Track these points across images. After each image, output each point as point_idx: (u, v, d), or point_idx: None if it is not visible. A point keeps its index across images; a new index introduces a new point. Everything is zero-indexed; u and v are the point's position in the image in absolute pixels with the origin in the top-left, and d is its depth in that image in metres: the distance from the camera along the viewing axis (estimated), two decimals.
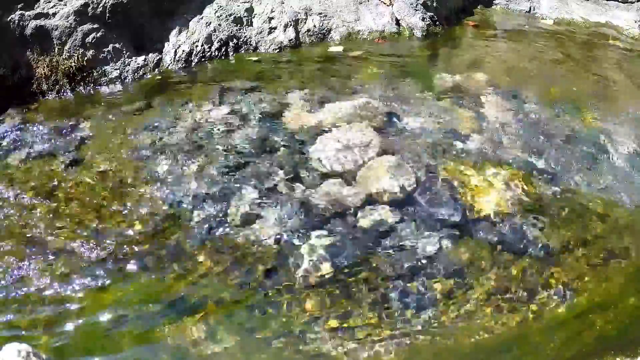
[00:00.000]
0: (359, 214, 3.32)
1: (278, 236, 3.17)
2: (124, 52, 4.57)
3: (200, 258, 3.04)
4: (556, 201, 3.48)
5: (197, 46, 4.75)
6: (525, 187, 3.53)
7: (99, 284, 2.89)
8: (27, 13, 4.30)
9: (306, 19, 5.14)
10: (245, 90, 4.35)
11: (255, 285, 2.92)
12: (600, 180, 3.67)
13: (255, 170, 3.59)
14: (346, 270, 3.00)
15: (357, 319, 2.78)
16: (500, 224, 3.29)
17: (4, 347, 2.07)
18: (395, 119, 4.08)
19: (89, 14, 4.44)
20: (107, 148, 3.74)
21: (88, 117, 4.03)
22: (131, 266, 2.98)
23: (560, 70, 4.92)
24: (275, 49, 4.98)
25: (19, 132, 3.85)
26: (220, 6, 4.94)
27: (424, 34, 5.31)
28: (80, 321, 2.70)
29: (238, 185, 3.48)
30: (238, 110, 4.11)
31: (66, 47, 4.38)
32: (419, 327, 2.76)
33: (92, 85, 4.42)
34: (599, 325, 2.81)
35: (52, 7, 4.40)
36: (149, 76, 4.57)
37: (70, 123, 3.96)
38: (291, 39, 5.03)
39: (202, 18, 4.86)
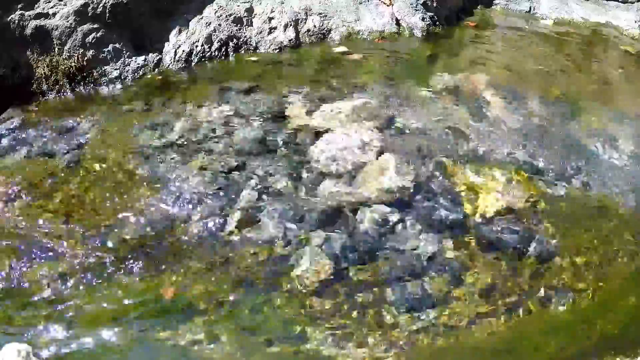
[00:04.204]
0: (359, 214, 3.32)
1: (278, 236, 3.16)
2: (124, 52, 4.57)
3: (200, 258, 3.04)
4: (556, 201, 3.48)
5: (197, 46, 4.75)
6: (525, 187, 3.53)
7: (98, 284, 2.88)
8: (27, 13, 4.30)
9: (306, 19, 5.14)
10: (245, 90, 4.35)
11: (255, 285, 2.92)
12: (600, 180, 3.67)
13: (255, 170, 3.59)
14: (346, 271, 3.00)
15: (357, 319, 2.78)
16: (500, 224, 3.29)
17: (4, 347, 2.08)
18: (395, 119, 4.07)
19: (89, 14, 4.44)
20: (106, 148, 3.73)
21: (88, 117, 4.02)
22: (130, 266, 2.98)
23: (560, 70, 4.92)
24: (275, 49, 4.98)
25: (19, 132, 3.85)
26: (220, 6, 4.94)
27: (424, 34, 5.31)
28: (79, 322, 2.70)
29: (238, 185, 3.47)
30: (238, 110, 4.11)
31: (66, 47, 4.38)
32: (419, 327, 2.76)
33: (92, 85, 4.42)
34: (599, 325, 2.81)
35: (52, 7, 4.40)
36: (149, 76, 4.57)
37: (70, 123, 3.95)
38: (291, 39, 5.03)
39: (202, 18, 4.86)
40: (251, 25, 5.01)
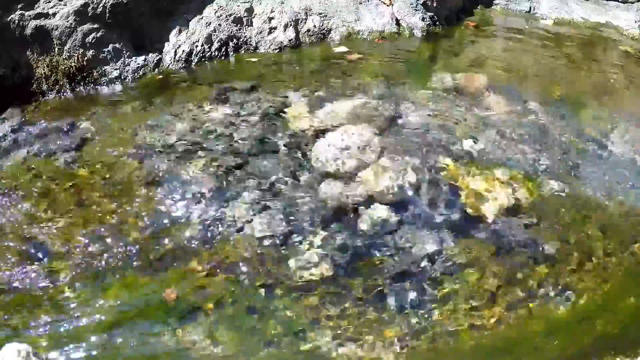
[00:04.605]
0: (359, 214, 3.32)
1: (278, 236, 3.16)
2: (124, 52, 4.57)
3: (200, 258, 3.04)
4: (556, 201, 3.48)
5: (197, 46, 4.75)
6: (525, 187, 3.53)
7: (99, 284, 2.88)
8: (27, 13, 4.30)
9: (306, 19, 5.14)
10: (245, 90, 4.35)
11: (255, 285, 2.92)
12: (601, 180, 3.67)
13: (255, 170, 3.59)
14: (346, 270, 3.00)
15: (357, 319, 2.78)
16: (500, 224, 3.29)
17: (4, 347, 2.08)
18: (395, 119, 4.07)
19: (89, 14, 4.44)
20: (107, 148, 3.73)
21: (88, 117, 4.02)
22: (131, 266, 2.98)
23: (561, 70, 4.92)
24: (275, 49, 4.98)
25: (19, 132, 3.85)
26: (220, 6, 4.94)
27: (424, 34, 5.31)
28: (80, 322, 2.70)
29: (238, 185, 3.48)
30: (238, 110, 4.11)
31: (66, 47, 4.38)
32: (419, 327, 2.76)
33: (92, 85, 4.42)
34: (599, 325, 2.81)
35: (52, 7, 4.40)
36: (149, 76, 4.57)
37: (70, 123, 3.95)
38: (291, 39, 5.02)
39: (202, 18, 4.86)
40: (251, 25, 5.01)
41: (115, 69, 4.51)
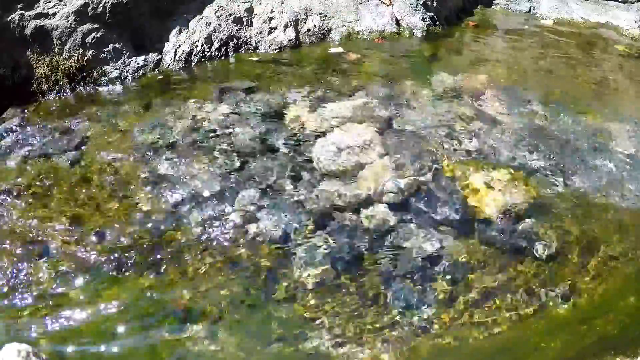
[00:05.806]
0: (359, 214, 3.32)
1: (278, 236, 3.16)
2: (124, 52, 4.57)
3: (200, 258, 3.04)
4: (556, 201, 3.48)
5: (197, 46, 4.75)
6: (525, 187, 3.53)
7: (99, 285, 2.88)
8: (27, 13, 4.30)
9: (306, 19, 5.15)
10: (245, 90, 4.35)
11: (255, 285, 2.92)
12: (600, 180, 3.67)
13: (255, 170, 3.59)
14: (346, 270, 3.00)
15: (356, 319, 2.79)
16: (500, 224, 3.29)
17: (4, 347, 2.08)
18: (395, 119, 4.07)
19: (89, 14, 4.44)
20: (106, 148, 3.73)
21: (88, 117, 4.02)
22: (131, 267, 2.98)
23: (561, 70, 4.93)
24: (275, 49, 4.98)
25: (19, 132, 3.85)
26: (220, 6, 4.94)
27: (424, 34, 5.31)
28: (80, 322, 2.70)
29: (238, 185, 3.48)
30: (238, 110, 4.11)
31: (66, 47, 4.38)
32: (419, 327, 2.76)
33: (92, 85, 4.42)
34: (599, 325, 2.81)
35: (52, 7, 4.40)
36: (149, 76, 4.57)
37: (70, 123, 3.95)
38: (291, 39, 5.03)
39: (202, 18, 4.86)
40: (251, 25, 5.01)
41: (115, 69, 4.51)
